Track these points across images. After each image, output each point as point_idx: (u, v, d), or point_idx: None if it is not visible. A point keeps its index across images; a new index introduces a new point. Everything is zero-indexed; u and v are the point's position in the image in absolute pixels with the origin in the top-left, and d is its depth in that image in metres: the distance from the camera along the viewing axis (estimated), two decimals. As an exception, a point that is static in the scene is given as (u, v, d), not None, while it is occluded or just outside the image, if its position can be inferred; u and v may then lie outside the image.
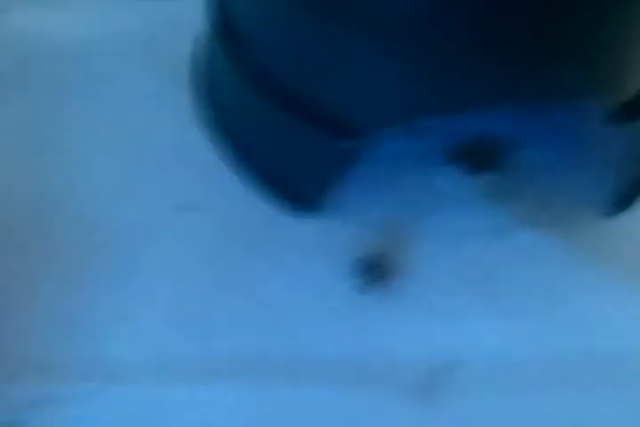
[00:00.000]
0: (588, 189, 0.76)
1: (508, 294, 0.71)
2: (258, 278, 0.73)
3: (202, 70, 0.83)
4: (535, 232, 0.74)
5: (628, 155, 0.72)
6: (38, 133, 0.83)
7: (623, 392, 0.67)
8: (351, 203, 0.76)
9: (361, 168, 0.75)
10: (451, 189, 0.76)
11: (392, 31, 0.62)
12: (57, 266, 0.74)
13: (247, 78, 0.72)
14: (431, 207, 0.75)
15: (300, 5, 0.64)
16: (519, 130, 0.79)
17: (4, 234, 0.76)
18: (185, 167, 0.80)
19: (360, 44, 0.64)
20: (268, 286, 0.73)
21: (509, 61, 0.63)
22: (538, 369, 0.68)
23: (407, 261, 0.73)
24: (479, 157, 0.78)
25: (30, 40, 0.87)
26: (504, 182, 0.77)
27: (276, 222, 0.76)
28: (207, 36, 0.80)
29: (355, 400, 0.67)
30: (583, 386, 0.67)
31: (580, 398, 0.66)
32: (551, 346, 0.69)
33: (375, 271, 0.72)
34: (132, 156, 0.81)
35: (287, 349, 0.70)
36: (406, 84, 0.65)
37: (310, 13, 0.64)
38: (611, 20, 0.62)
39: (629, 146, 0.71)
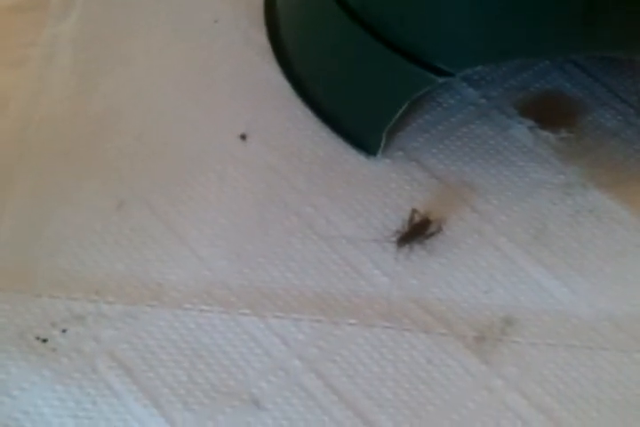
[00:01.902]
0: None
1: (574, 251, 0.70)
2: (315, 212, 0.71)
3: (283, 2, 0.82)
4: (605, 192, 0.72)
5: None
6: (107, 48, 0.82)
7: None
8: (420, 149, 0.75)
9: (435, 114, 0.74)
10: (525, 141, 0.74)
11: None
12: (109, 183, 0.73)
13: (345, 13, 0.70)
14: (504, 158, 0.74)
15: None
16: (592, 90, 0.78)
17: (61, 145, 0.75)
18: (253, 98, 0.79)
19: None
20: (324, 220, 0.71)
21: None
22: (596, 327, 0.66)
23: (476, 210, 0.72)
24: (555, 114, 0.76)
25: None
26: (577, 141, 0.75)
27: (341, 159, 0.75)
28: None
29: (409, 342, 0.66)
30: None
31: (637, 359, 0.65)
32: (611, 305, 0.67)
33: (425, 224, 0.70)
34: (197, 81, 0.80)
35: (341, 285, 0.68)
36: (498, 23, 0.64)
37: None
38: None
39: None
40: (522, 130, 0.75)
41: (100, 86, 0.79)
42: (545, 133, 0.75)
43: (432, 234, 0.70)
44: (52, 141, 0.75)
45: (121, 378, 0.63)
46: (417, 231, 0.69)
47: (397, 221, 0.71)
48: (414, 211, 0.70)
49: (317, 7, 0.75)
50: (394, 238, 0.69)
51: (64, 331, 0.65)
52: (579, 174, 0.73)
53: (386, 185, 0.73)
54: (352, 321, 0.66)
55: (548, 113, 0.77)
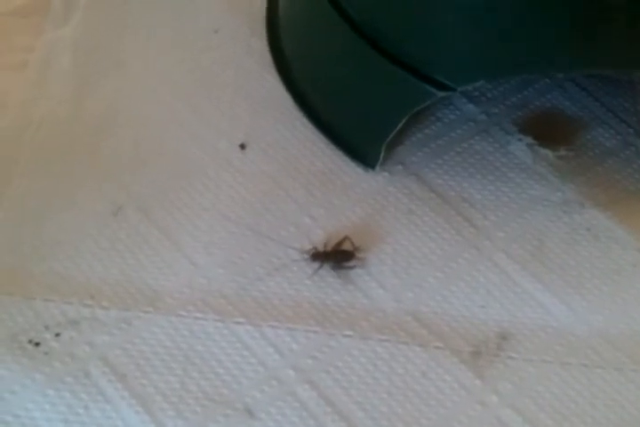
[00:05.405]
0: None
1: (571, 268, 0.70)
2: (313, 223, 0.72)
3: (285, 13, 0.81)
4: (602, 210, 0.73)
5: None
6: (106, 54, 0.82)
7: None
8: (420, 163, 0.75)
9: (435, 129, 0.74)
10: (524, 158, 0.74)
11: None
12: (106, 188, 0.73)
13: (347, 25, 0.70)
14: (502, 174, 0.74)
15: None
16: (592, 110, 0.79)
17: (59, 149, 0.75)
18: (253, 107, 0.79)
19: None
20: (322, 231, 0.71)
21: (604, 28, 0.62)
22: (592, 345, 0.66)
23: (474, 226, 0.72)
24: (554, 132, 0.76)
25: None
26: (575, 160, 0.75)
27: (340, 171, 0.75)
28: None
29: (405, 355, 0.66)
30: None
31: (632, 378, 0.65)
32: (607, 323, 0.68)
33: (348, 256, 0.70)
34: (196, 89, 0.80)
35: (337, 297, 0.68)
36: (499, 38, 0.64)
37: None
38: None
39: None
40: (521, 147, 0.76)
41: (99, 92, 0.79)
42: (544, 151, 0.75)
43: (347, 267, 0.69)
44: (49, 145, 0.75)
45: (113, 384, 0.63)
46: (335, 256, 0.69)
47: (396, 235, 0.71)
48: (347, 238, 0.70)
49: (319, 18, 0.75)
50: (310, 252, 0.69)
51: (57, 335, 0.64)
52: (576, 192, 0.74)
53: (384, 198, 0.73)
54: (347, 333, 0.66)
55: (548, 131, 0.77)
